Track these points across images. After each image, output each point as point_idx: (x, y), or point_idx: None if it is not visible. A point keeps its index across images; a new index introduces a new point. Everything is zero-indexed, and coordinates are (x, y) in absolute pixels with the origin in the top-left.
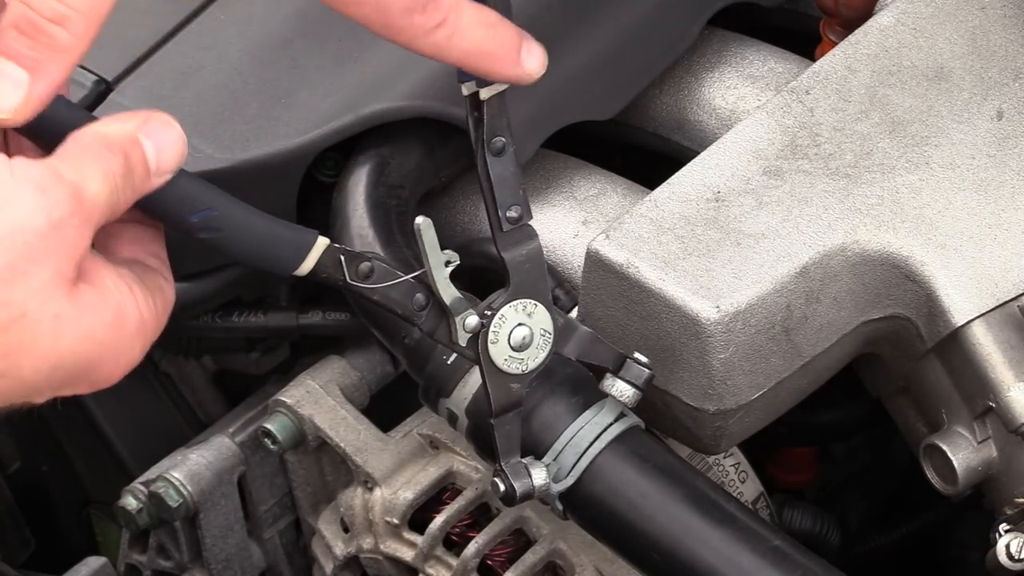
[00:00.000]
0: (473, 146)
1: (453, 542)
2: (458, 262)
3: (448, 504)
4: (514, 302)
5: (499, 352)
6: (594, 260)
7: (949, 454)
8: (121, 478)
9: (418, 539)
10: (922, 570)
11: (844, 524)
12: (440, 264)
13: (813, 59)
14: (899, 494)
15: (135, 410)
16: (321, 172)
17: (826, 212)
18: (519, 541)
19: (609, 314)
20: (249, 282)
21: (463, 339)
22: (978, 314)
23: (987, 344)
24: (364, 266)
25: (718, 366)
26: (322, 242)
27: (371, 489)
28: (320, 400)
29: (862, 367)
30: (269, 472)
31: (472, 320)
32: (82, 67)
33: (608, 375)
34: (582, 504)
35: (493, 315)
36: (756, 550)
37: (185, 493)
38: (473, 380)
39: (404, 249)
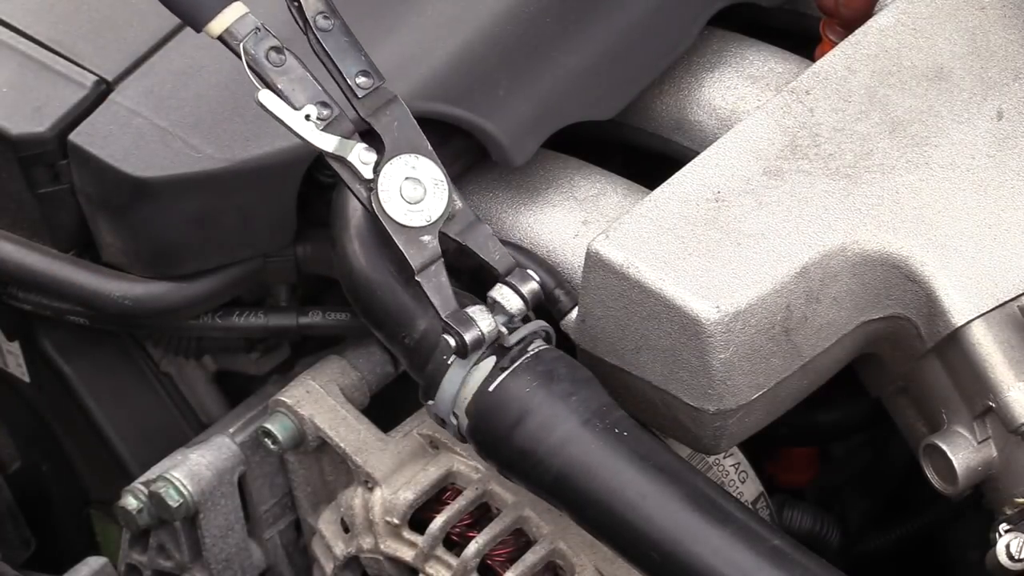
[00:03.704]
0: (303, 31)
1: (453, 542)
2: (313, 113)
3: (448, 504)
4: (393, 159)
5: (396, 208)
6: (594, 260)
7: (949, 454)
8: (121, 478)
9: (418, 539)
10: (922, 570)
11: (844, 524)
12: (300, 122)
13: (813, 59)
14: (899, 494)
15: (135, 410)
16: (321, 172)
17: (826, 212)
18: (519, 541)
19: (609, 314)
20: (249, 282)
21: (368, 172)
22: (978, 314)
23: (987, 344)
24: (274, 56)
25: (718, 366)
26: (239, 8)
27: (371, 489)
28: (320, 400)
29: (862, 367)
30: (269, 472)
31: (370, 154)
32: (82, 67)
33: (498, 285)
34: (583, 503)
35: (378, 173)
36: (755, 549)
37: (185, 493)
38: (473, 380)
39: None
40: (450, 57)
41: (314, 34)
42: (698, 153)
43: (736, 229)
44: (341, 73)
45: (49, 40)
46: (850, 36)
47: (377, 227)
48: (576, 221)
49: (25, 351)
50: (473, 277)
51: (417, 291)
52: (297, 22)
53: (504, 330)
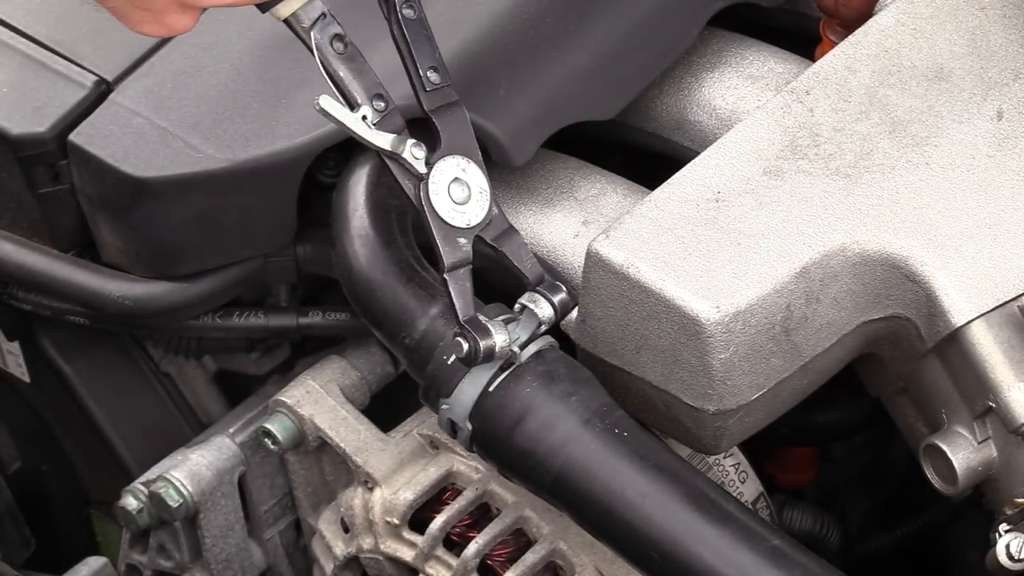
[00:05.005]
0: (385, 16)
1: (453, 542)
2: (369, 113)
3: (448, 504)
4: (447, 156)
5: (442, 204)
6: (594, 260)
7: (949, 454)
8: (121, 478)
9: (418, 539)
10: (922, 570)
11: (844, 524)
12: (358, 124)
13: (813, 59)
14: (899, 494)
15: (135, 410)
16: (321, 172)
17: (826, 212)
18: (519, 541)
19: (609, 314)
20: (249, 282)
21: (421, 167)
22: (978, 314)
23: (987, 344)
24: (338, 45)
25: (718, 366)
26: None
27: (371, 489)
28: (320, 400)
29: (862, 367)
30: (269, 472)
31: (420, 150)
32: (82, 67)
33: (529, 292)
34: (583, 503)
35: (431, 167)
36: (755, 549)
37: (185, 493)
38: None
39: (404, 249)
40: (450, 57)
41: (398, 20)
42: (698, 153)
43: (736, 229)
44: (416, 63)
45: (49, 40)
46: (850, 36)
47: (381, 226)
48: (576, 221)
49: (25, 351)
50: (475, 277)
51: (417, 291)
52: (381, 7)
53: (517, 349)
